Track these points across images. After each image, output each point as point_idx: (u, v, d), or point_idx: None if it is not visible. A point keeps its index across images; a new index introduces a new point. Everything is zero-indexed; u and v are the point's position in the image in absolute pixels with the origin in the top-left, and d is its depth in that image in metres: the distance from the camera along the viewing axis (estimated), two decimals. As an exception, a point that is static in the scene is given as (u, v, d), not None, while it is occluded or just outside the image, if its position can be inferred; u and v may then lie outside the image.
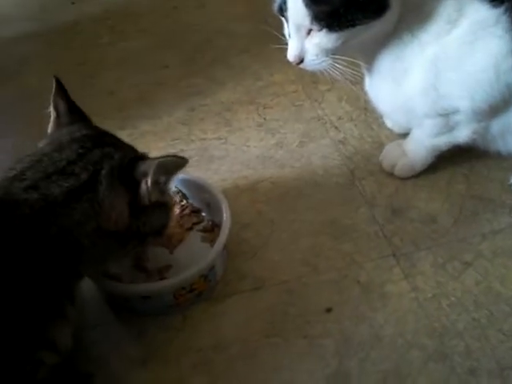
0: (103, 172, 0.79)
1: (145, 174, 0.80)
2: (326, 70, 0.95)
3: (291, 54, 0.95)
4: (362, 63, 0.99)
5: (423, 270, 0.94)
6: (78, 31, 1.58)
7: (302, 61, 0.95)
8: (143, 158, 0.84)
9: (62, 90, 0.89)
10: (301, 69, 1.29)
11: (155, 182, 0.81)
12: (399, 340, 0.86)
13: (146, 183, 0.81)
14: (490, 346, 0.84)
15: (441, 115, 0.96)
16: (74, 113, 0.89)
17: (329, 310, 0.91)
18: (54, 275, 0.77)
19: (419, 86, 0.94)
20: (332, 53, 0.92)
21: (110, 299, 0.95)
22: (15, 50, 1.55)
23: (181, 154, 1.12)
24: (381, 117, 1.17)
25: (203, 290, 0.93)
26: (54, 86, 0.89)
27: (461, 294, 0.90)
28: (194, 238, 0.99)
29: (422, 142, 1.04)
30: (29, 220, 0.75)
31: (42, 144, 0.86)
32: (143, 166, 0.81)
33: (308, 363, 0.85)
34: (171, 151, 1.18)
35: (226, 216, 0.95)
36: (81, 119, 0.89)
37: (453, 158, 1.07)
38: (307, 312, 0.91)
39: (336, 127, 1.19)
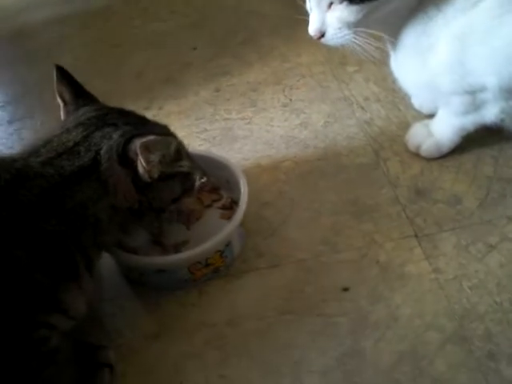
0: (101, 152, 0.81)
1: (136, 154, 0.80)
2: (348, 44, 0.93)
3: (312, 28, 0.93)
4: (386, 37, 0.96)
5: (445, 252, 0.91)
6: (111, 14, 1.60)
7: (323, 35, 0.93)
8: (141, 135, 0.82)
9: (64, 77, 0.89)
10: (329, 50, 1.31)
11: (148, 160, 0.80)
12: (417, 321, 0.84)
13: (141, 162, 0.80)
14: (512, 331, 0.81)
15: (467, 92, 0.93)
16: (79, 97, 0.89)
17: (346, 289, 0.89)
18: (70, 241, 0.77)
19: (445, 62, 0.91)
20: (354, 26, 0.90)
21: (127, 273, 0.95)
22: (48, 33, 1.58)
23: (204, 134, 1.16)
24: (408, 98, 1.14)
25: (220, 266, 0.93)
26: (54, 74, 0.88)
27: (484, 276, 0.87)
28: (213, 214, 0.99)
29: (448, 122, 1.01)
30: (46, 192, 0.77)
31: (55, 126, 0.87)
32: (133, 146, 0.80)
33: (321, 341, 0.84)
34: (195, 130, 1.19)
35: (243, 192, 0.94)
36: (87, 103, 0.89)
37: (481, 140, 1.04)
38: (323, 290, 0.89)
39: (362, 108, 1.17)
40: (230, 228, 0.90)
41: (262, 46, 1.38)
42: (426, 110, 1.11)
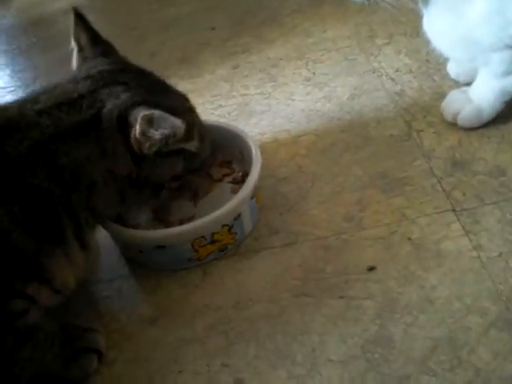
0: (104, 111, 0.73)
1: (136, 122, 0.71)
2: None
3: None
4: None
5: (488, 227, 0.78)
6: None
7: (345, -14, 0.82)
8: (150, 104, 0.73)
9: (82, 21, 0.82)
10: (356, 24, 1.21)
11: (146, 135, 0.71)
12: (456, 304, 0.71)
13: (135, 132, 0.71)
14: None
15: (509, 47, 0.81)
16: (97, 45, 0.82)
17: (372, 269, 0.77)
18: (58, 201, 0.70)
19: (483, 12, 0.79)
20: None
21: (125, 252, 0.85)
22: (64, 20, 1.51)
23: (219, 110, 1.06)
24: (444, 68, 1.03)
25: (228, 244, 0.82)
26: (73, 18, 0.82)
27: (534, 253, 0.74)
28: (223, 189, 0.89)
29: (489, 84, 0.88)
30: (38, 144, 0.70)
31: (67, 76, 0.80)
32: (136, 113, 0.71)
33: (342, 327, 0.72)
34: (209, 107, 1.09)
35: (254, 162, 0.83)
36: (104, 53, 0.81)
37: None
38: (346, 270, 0.77)
39: (392, 79, 1.05)
40: (237, 200, 0.79)
41: (284, 24, 1.28)
42: (463, 78, 0.99)
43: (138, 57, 1.25)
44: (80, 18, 0.82)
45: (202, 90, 1.14)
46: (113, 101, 0.73)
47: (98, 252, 0.86)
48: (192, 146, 0.77)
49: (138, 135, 0.71)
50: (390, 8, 0.84)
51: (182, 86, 1.15)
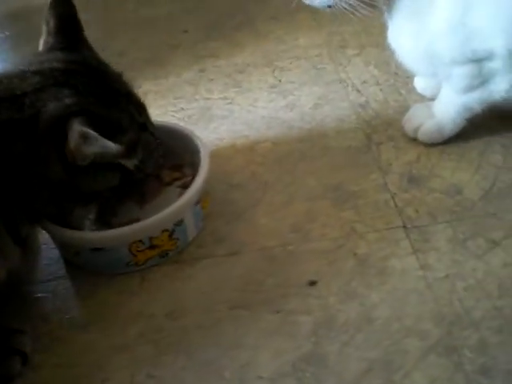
0: (43, 113, 0.69)
1: (69, 134, 0.68)
2: (336, 5, 0.80)
3: (297, -15, 0.80)
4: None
5: (438, 246, 0.76)
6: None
7: (308, -7, 0.80)
8: (92, 116, 0.70)
9: (59, 5, 0.77)
10: (329, 33, 1.19)
11: (76, 147, 0.67)
12: (395, 324, 0.68)
13: (69, 143, 0.68)
14: (512, 342, 0.65)
15: (471, 61, 0.79)
16: (63, 35, 0.77)
17: (313, 283, 0.74)
18: None
19: (445, 23, 0.77)
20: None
21: (63, 252, 0.82)
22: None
23: (180, 113, 1.04)
24: (412, 82, 1.00)
25: (169, 250, 0.79)
26: None
27: (482, 276, 0.71)
28: (171, 193, 0.85)
29: (451, 100, 0.86)
30: None
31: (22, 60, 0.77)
32: (69, 125, 0.67)
33: (276, 342, 0.68)
34: (171, 109, 1.07)
35: (201, 167, 0.80)
36: (69, 46, 0.77)
37: (490, 125, 0.89)
38: (286, 283, 0.74)
39: (358, 91, 1.03)
40: (178, 205, 0.76)
41: (258, 30, 1.26)
42: (429, 92, 0.97)
43: (105, 55, 1.24)
44: (58, 2, 0.77)
45: (165, 91, 1.12)
46: (55, 104, 0.70)
47: (37, 251, 0.83)
48: (131, 164, 0.74)
49: (71, 147, 0.68)
50: (351, 15, 0.81)
51: (146, 87, 1.14)
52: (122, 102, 0.76)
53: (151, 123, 0.81)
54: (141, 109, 0.79)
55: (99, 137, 0.67)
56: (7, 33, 1.47)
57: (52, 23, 0.77)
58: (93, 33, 1.32)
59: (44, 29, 0.78)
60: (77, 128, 0.67)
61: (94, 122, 0.69)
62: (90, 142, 0.67)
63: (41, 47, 0.79)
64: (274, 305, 0.72)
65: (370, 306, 0.70)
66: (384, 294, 0.71)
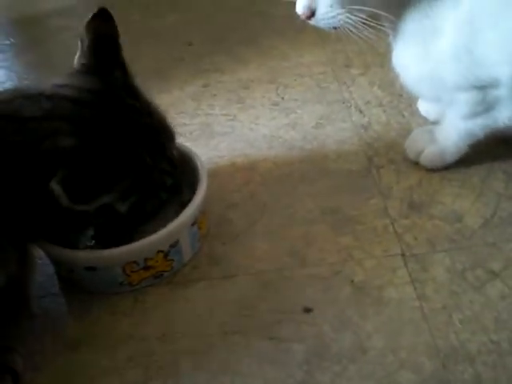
0: (41, 146, 0.66)
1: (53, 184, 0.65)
2: (341, 26, 0.79)
3: (301, 6, 0.79)
4: (386, 23, 0.82)
5: (435, 276, 0.74)
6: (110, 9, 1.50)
7: (313, 14, 0.79)
8: (82, 171, 0.66)
9: (97, 22, 0.72)
10: (334, 52, 1.18)
11: (57, 198, 0.65)
12: (389, 356, 0.67)
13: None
14: (508, 378, 0.63)
15: (476, 88, 0.78)
16: (96, 58, 0.73)
17: (308, 311, 0.73)
18: None
19: (450, 49, 0.76)
20: (348, 4, 0.76)
21: (57, 269, 0.81)
22: (49, 22, 1.50)
23: (181, 128, 1.03)
24: (416, 104, 0.99)
25: (164, 271, 0.78)
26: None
27: (480, 308, 0.70)
28: (169, 211, 0.84)
29: (454, 125, 0.85)
30: None
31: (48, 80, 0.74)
32: (57, 178, 0.64)
33: (267, 370, 0.67)
34: (173, 123, 1.05)
35: (199, 188, 0.79)
36: (100, 70, 0.72)
37: (493, 151, 0.88)
38: (281, 310, 0.73)
39: (361, 111, 1.02)
40: (174, 226, 0.75)
41: (262, 45, 1.25)
42: (433, 116, 0.96)
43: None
44: (99, 16, 0.73)
45: (167, 106, 1.08)
46: (52, 141, 0.66)
47: (34, 266, 0.82)
48: (123, 208, 0.71)
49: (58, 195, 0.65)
50: (357, 38, 0.81)
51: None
52: (133, 140, 0.71)
53: (169, 158, 0.76)
54: (158, 147, 0.74)
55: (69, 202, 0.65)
56: (12, 40, 1.47)
57: (86, 42, 0.73)
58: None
59: (79, 46, 0.74)
60: (57, 187, 0.64)
61: (81, 172, 0.65)
62: (63, 200, 0.65)
63: (75, 64, 0.75)
64: (267, 331, 0.71)
65: (365, 336, 0.69)
66: (379, 324, 0.70)
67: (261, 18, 1.35)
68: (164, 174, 0.75)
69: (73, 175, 0.65)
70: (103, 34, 0.73)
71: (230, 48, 1.25)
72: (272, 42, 1.25)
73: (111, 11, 1.48)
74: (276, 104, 1.07)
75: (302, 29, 1.26)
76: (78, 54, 0.75)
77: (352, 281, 0.75)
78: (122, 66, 0.75)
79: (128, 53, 1.27)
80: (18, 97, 0.70)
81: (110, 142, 0.69)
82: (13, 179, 0.67)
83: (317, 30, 1.22)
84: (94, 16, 0.73)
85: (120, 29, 1.40)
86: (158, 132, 0.75)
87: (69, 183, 0.64)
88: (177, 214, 0.81)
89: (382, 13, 0.78)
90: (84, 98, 0.70)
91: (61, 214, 0.69)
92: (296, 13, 0.79)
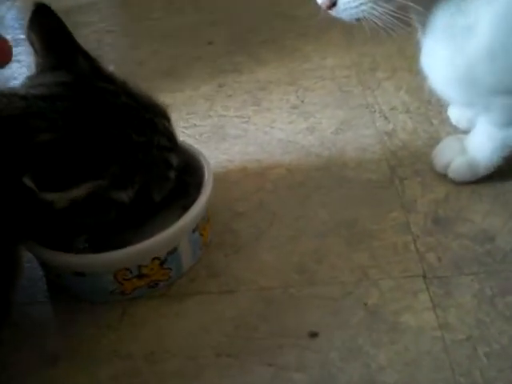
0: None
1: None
2: (365, 18, 0.71)
3: (322, -5, 0.72)
4: (415, 17, 0.74)
5: (461, 302, 0.66)
6: (131, 4, 1.46)
7: (334, 4, 0.71)
8: (59, 164, 0.62)
9: (40, 20, 0.70)
10: (359, 55, 1.10)
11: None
12: (403, 392, 0.58)
13: None
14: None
15: (513, 92, 0.69)
16: (50, 53, 0.70)
17: (313, 335, 0.65)
18: None
19: (485, 48, 0.68)
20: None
21: (45, 273, 0.75)
22: (69, 18, 1.44)
23: (191, 129, 0.97)
24: (446, 111, 0.91)
25: (160, 281, 0.71)
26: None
27: (509, 341, 0.61)
28: (172, 213, 0.77)
29: (488, 134, 0.76)
30: None
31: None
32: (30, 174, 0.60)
33: (264, 400, 0.59)
34: (182, 125, 0.99)
35: (203, 191, 0.72)
36: (59, 64, 0.69)
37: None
38: (283, 332, 0.65)
39: (386, 117, 0.94)
40: (172, 231, 0.68)
41: (284, 46, 1.18)
42: (464, 125, 0.87)
43: (125, 65, 1.19)
44: (38, 14, 0.69)
45: (179, 105, 1.04)
46: (29, 139, 0.62)
47: (20, 271, 0.76)
48: (124, 196, 0.66)
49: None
50: (384, 34, 0.73)
51: (161, 99, 1.06)
52: (113, 122, 0.67)
53: (168, 136, 0.72)
54: (146, 123, 0.70)
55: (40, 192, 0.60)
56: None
57: (37, 43, 0.70)
58: (116, 43, 1.31)
59: (31, 49, 0.71)
60: (25, 180, 0.59)
61: (57, 163, 0.61)
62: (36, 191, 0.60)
63: (34, 69, 0.72)
64: (266, 356, 0.63)
65: (377, 368, 0.61)
66: (393, 354, 0.62)
67: (284, 18, 1.28)
68: (163, 150, 0.70)
69: (47, 167, 0.60)
70: (50, 27, 0.70)
71: (250, 48, 1.19)
72: (294, 43, 1.18)
73: (134, 8, 1.44)
74: (295, 107, 0.99)
75: (327, 30, 1.21)
76: (32, 57, 0.71)
77: (365, 304, 0.67)
78: (83, 52, 0.72)
79: (145, 51, 1.24)
80: None
81: (88, 128, 0.65)
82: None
83: (343, 33, 1.17)
84: (34, 13, 0.69)
85: (140, 27, 1.37)
86: (142, 109, 0.70)
87: (43, 175, 0.60)
88: (180, 218, 0.75)
89: (411, 3, 0.70)
90: (55, 93, 0.67)
91: (48, 213, 0.64)
92: (319, 11, 0.71)
